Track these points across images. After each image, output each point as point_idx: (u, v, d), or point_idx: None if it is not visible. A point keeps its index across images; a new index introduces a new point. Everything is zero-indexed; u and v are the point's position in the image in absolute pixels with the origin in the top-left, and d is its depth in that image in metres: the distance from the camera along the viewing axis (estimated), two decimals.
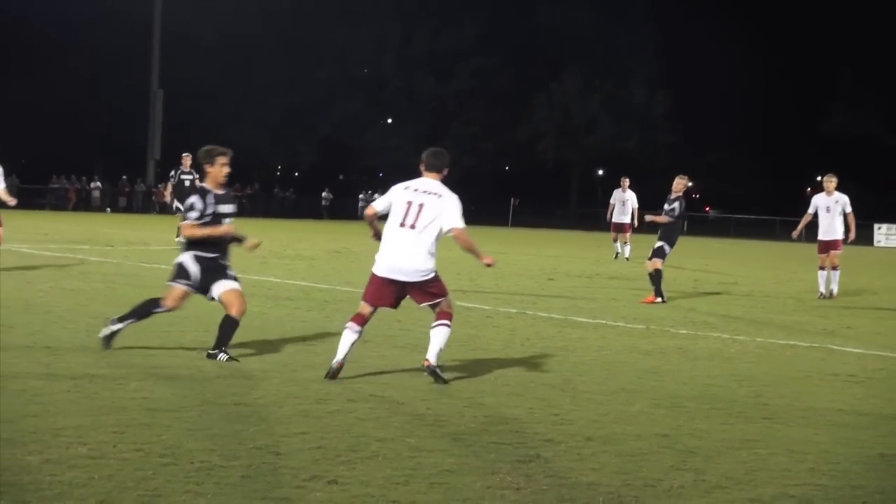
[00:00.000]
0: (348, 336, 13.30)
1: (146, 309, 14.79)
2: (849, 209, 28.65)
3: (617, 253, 43.40)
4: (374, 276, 13.70)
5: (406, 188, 13.90)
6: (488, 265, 14.03)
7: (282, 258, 34.44)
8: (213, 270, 14.41)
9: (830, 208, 28.82)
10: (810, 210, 29.43)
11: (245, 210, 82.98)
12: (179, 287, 14.34)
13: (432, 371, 13.21)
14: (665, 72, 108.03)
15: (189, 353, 14.72)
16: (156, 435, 9.68)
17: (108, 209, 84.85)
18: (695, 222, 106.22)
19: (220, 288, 14.46)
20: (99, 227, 54.92)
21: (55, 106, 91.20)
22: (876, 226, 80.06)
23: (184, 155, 40.19)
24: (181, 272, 14.38)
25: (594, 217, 75.91)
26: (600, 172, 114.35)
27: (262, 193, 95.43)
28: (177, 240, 38.84)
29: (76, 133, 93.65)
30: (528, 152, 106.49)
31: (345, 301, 22.31)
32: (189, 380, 12.72)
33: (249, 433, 10.03)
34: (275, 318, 18.93)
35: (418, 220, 13.49)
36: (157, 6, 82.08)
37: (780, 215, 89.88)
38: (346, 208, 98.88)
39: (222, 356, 14.16)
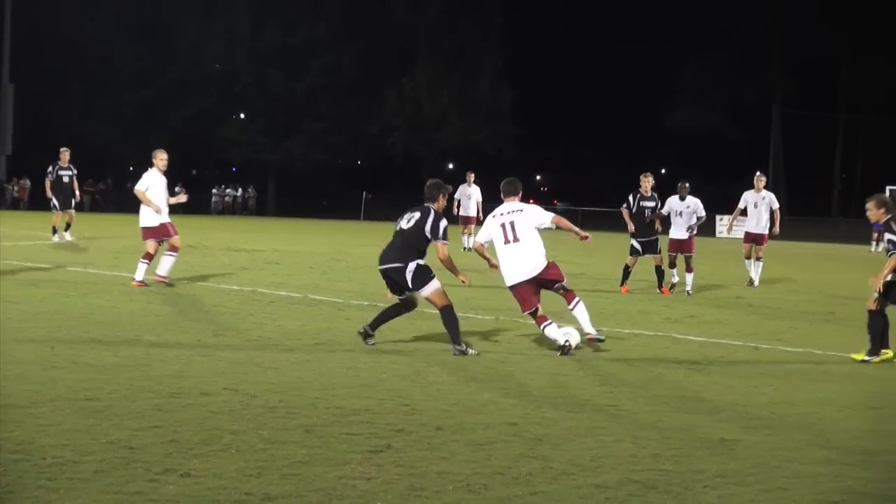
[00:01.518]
0: (556, 329, 16.02)
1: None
2: (776, 206, 30.82)
3: (465, 247, 43.71)
4: (514, 286, 16.62)
5: (494, 217, 17.10)
6: (584, 239, 17.99)
7: (134, 253, 34.01)
8: None
9: (758, 204, 30.78)
10: (740, 205, 31.48)
11: (98, 205, 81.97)
12: None
13: (597, 340, 16.63)
14: (513, 67, 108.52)
15: (41, 348, 14.38)
16: (7, 431, 9.54)
17: None
18: None
19: None
20: None
21: None
22: (717, 217, 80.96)
23: (62, 150, 39.91)
24: None
25: (444, 210, 76.20)
26: (450, 166, 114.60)
27: (114, 188, 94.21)
28: (54, 239, 38.57)
29: None
30: (380, 146, 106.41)
31: (197, 294, 22.14)
32: (41, 375, 12.48)
33: (102, 428, 9.91)
34: (128, 312, 18.69)
35: (516, 233, 16.60)
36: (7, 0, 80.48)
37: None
38: (201, 203, 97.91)
39: None
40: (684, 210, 26.99)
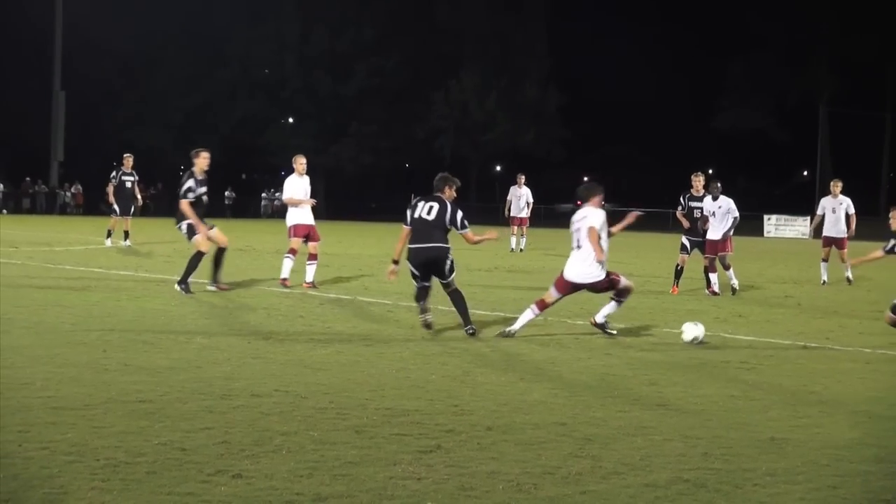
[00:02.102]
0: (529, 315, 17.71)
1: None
2: (852, 210, 31.80)
3: (512, 248, 43.84)
4: (565, 279, 17.81)
5: (572, 222, 17.97)
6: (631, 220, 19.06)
7: (185, 257, 34.05)
8: None
9: (836, 209, 31.94)
10: (819, 211, 32.64)
11: (150, 210, 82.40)
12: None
13: (604, 329, 17.89)
14: (559, 69, 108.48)
15: (94, 351, 14.41)
16: (61, 433, 9.55)
17: (4, 210, 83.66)
18: None
19: None
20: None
21: None
22: (765, 217, 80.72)
23: (125, 156, 40.44)
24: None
25: (493, 212, 75.96)
26: (498, 168, 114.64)
27: (165, 193, 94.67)
28: (107, 243, 38.79)
29: None
30: (427, 150, 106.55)
31: (248, 297, 22.18)
32: (94, 378, 12.49)
33: (154, 429, 9.93)
34: (179, 316, 18.73)
35: (580, 240, 17.57)
36: (59, 6, 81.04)
37: (674, 208, 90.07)
38: (249, 207, 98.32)
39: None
40: (717, 210, 26.81)
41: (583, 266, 17.47)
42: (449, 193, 18.03)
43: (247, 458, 8.95)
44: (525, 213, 45.06)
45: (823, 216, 32.29)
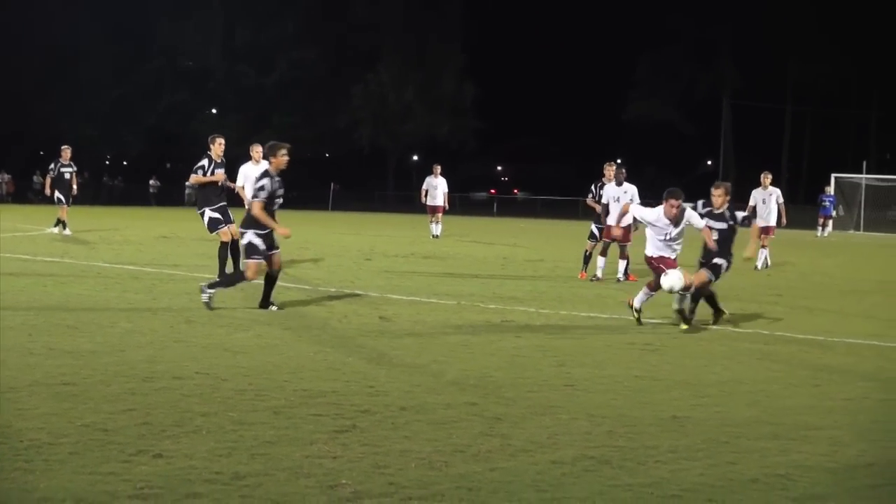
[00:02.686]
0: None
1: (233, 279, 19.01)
2: (781, 200, 33.21)
3: (434, 234, 44.15)
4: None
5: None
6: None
7: (110, 243, 33.88)
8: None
9: (766, 200, 33.17)
10: (750, 202, 33.31)
11: (76, 198, 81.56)
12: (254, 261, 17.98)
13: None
14: (474, 63, 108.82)
15: (19, 335, 14.32)
16: None
17: None
18: (504, 203, 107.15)
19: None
20: None
21: None
22: None
23: (63, 148, 40.41)
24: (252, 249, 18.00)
25: (410, 200, 76.07)
26: (415, 158, 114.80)
27: (91, 182, 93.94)
28: (50, 230, 38.43)
29: None
30: (347, 140, 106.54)
31: (171, 283, 22.08)
32: (19, 361, 12.42)
33: (78, 411, 9.88)
34: (103, 301, 18.62)
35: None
36: None
37: (583, 196, 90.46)
38: (173, 195, 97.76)
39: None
40: (621, 195, 26.80)
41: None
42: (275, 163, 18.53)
43: (168, 439, 8.91)
44: (440, 202, 45.34)
45: (755, 207, 32.83)
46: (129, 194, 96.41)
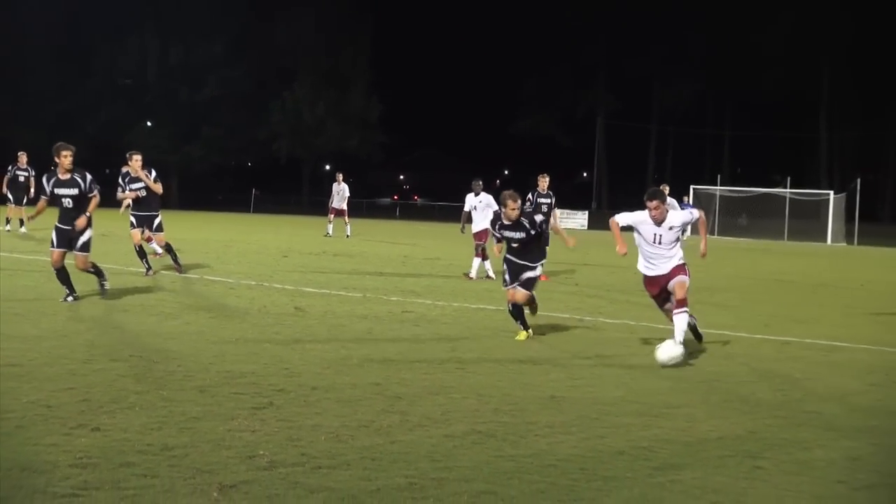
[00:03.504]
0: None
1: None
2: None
3: (328, 233, 44.74)
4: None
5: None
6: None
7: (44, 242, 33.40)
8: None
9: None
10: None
11: (31, 200, 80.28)
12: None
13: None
14: (380, 82, 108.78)
15: None
16: None
17: None
18: (405, 208, 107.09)
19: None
20: None
21: None
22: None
23: (20, 153, 39.60)
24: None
25: (322, 204, 75.71)
26: (327, 168, 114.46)
27: (37, 185, 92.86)
28: (5, 228, 37.85)
29: None
30: (267, 150, 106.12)
31: (113, 276, 21.85)
32: None
33: (23, 390, 9.78)
34: (49, 291, 18.32)
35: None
36: None
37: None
38: (111, 198, 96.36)
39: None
40: (478, 205, 26.58)
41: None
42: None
43: (105, 414, 8.84)
44: (342, 205, 46.09)
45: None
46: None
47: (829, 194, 71.37)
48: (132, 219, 23.38)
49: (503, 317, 17.33)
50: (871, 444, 9.27)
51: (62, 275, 17.36)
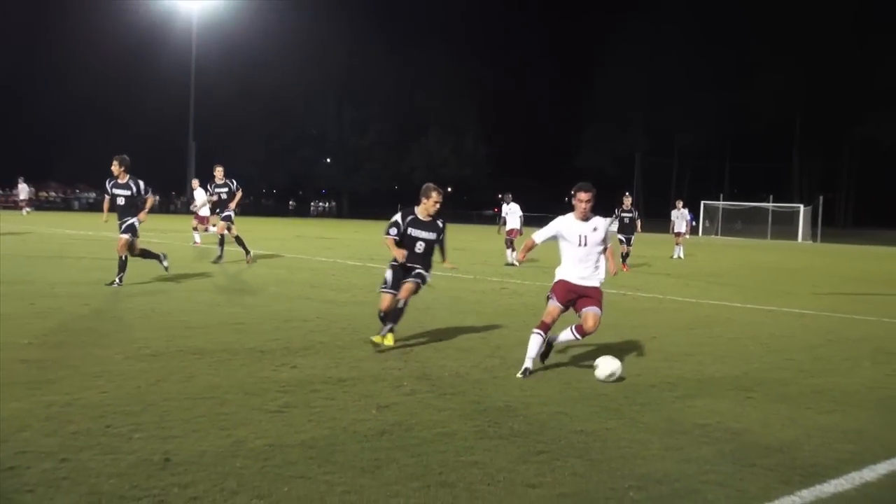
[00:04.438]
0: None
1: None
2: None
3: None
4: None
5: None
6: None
7: (307, 240, 33.38)
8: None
9: (678, 217, 32.68)
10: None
11: (236, 212, 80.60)
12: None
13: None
14: (486, 127, 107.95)
15: (205, 293, 14.23)
16: None
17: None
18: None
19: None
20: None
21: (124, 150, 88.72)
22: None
23: (216, 168, 31.39)
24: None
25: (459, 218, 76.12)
26: (449, 189, 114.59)
27: (253, 202, 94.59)
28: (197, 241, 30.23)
29: (153, 174, 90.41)
30: (408, 178, 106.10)
31: (349, 271, 21.88)
32: (207, 312, 12.46)
33: (244, 340, 9.97)
34: (299, 281, 18.20)
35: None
36: (192, 89, 78.90)
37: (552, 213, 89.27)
38: (302, 211, 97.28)
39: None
40: (509, 211, 26.03)
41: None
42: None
43: (299, 357, 8.93)
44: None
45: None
46: (275, 209, 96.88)
47: (800, 207, 70.48)
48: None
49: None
50: (830, 382, 9.09)
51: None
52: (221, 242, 21.76)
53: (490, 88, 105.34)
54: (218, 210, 22.43)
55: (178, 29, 78.04)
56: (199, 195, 31.16)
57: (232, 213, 21.79)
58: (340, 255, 26.30)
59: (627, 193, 25.76)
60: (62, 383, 7.52)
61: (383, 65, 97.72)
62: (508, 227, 26.05)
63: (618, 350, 10.34)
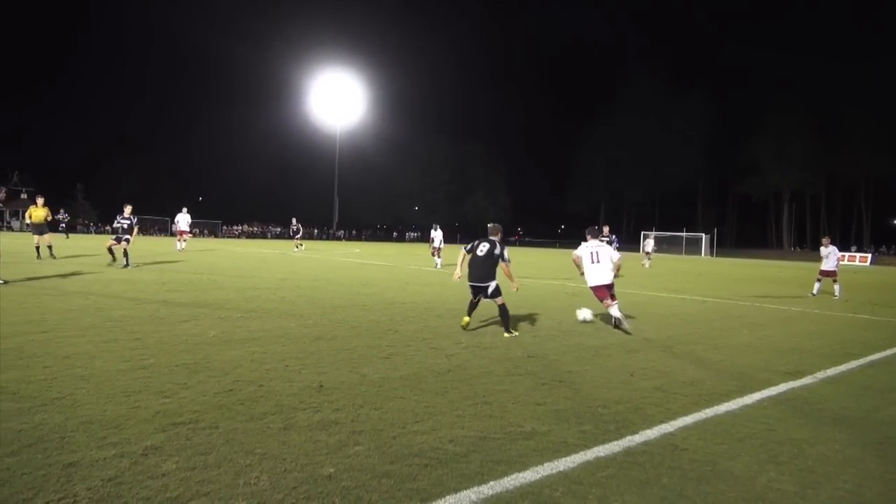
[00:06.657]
0: (615, 309, 8.98)
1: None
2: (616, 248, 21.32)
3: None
4: (593, 287, 9.24)
5: (587, 247, 9.37)
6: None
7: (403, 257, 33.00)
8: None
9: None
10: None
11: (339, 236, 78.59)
12: None
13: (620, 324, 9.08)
14: (510, 188, 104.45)
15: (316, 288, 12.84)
16: None
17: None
18: (522, 242, 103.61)
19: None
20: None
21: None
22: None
23: (293, 219, 31.50)
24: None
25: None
26: (489, 226, 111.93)
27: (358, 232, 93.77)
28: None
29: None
30: (463, 211, 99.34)
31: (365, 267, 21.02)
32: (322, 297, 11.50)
33: (339, 315, 9.30)
34: (383, 281, 15.62)
35: (599, 258, 9.15)
36: (336, 167, 78.66)
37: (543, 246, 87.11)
38: (403, 235, 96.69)
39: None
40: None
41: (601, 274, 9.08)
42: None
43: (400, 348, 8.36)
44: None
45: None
46: (385, 237, 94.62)
47: (703, 235, 69.80)
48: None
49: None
50: (722, 341, 8.62)
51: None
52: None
53: (512, 166, 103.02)
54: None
55: (325, 137, 78.57)
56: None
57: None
58: (424, 263, 26.18)
59: (606, 225, 21.32)
60: (259, 341, 7.36)
61: (447, 153, 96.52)
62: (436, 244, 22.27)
63: (593, 321, 9.89)
